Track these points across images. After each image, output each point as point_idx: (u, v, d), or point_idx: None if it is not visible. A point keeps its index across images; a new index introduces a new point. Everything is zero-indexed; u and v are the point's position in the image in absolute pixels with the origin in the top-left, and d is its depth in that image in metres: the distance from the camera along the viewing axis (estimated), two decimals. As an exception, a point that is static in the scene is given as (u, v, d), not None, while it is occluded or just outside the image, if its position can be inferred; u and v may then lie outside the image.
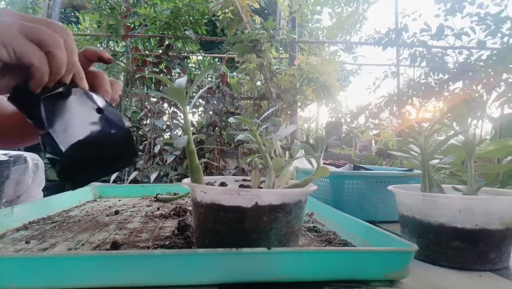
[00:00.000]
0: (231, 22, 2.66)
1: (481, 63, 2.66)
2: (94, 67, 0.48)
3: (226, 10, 2.65)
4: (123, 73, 2.86)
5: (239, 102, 2.66)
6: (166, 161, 2.26)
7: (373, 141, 3.35)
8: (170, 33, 3.01)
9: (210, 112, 2.54)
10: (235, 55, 2.73)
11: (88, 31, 4.42)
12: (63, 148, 0.43)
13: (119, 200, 0.84)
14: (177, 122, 2.50)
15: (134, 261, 0.33)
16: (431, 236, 0.44)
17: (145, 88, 2.95)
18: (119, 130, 0.46)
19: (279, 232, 0.38)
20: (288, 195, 0.38)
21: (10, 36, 0.38)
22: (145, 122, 2.64)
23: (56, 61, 0.40)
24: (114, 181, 2.29)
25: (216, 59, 4.11)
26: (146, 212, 0.68)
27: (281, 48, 2.75)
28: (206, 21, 3.09)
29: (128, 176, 2.33)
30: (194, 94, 1.87)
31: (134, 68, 2.71)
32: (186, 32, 2.96)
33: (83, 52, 0.46)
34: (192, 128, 2.62)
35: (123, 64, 3.02)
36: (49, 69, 0.40)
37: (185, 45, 3.29)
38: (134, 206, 0.75)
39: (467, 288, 0.37)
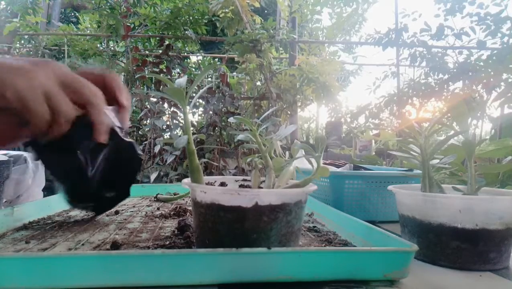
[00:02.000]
0: (231, 22, 2.66)
1: (481, 63, 2.66)
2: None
3: (226, 10, 2.65)
4: (123, 73, 2.86)
5: (239, 102, 2.66)
6: (166, 161, 2.26)
7: (373, 141, 3.36)
8: (170, 33, 3.01)
9: (210, 112, 2.54)
10: (235, 55, 2.74)
11: (88, 31, 4.42)
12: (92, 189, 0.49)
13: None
14: (177, 122, 2.50)
15: (134, 261, 0.33)
16: (431, 236, 0.44)
17: (145, 88, 2.95)
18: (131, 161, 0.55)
19: (279, 232, 0.38)
20: (288, 195, 0.38)
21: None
22: (145, 122, 2.64)
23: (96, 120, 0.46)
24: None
25: (216, 59, 4.11)
26: (146, 212, 0.68)
27: (281, 48, 2.75)
28: (206, 21, 3.09)
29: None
30: (194, 94, 1.87)
31: (134, 68, 2.71)
32: (186, 32, 2.96)
33: (105, 75, 0.49)
34: (192, 128, 2.62)
35: (123, 64, 3.02)
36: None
37: (185, 45, 3.29)
38: (134, 206, 0.75)
39: (467, 288, 0.37)
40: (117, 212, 0.66)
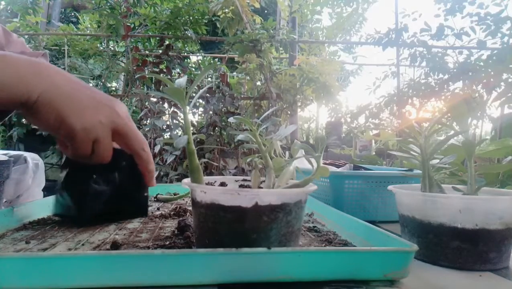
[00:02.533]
0: (231, 22, 2.66)
1: (481, 63, 2.66)
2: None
3: (226, 10, 2.65)
4: (123, 73, 2.86)
5: (239, 102, 2.66)
6: (166, 161, 2.26)
7: (373, 141, 3.36)
8: (170, 33, 3.01)
9: (210, 112, 2.54)
10: (235, 55, 2.74)
11: (88, 31, 4.41)
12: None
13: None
14: (177, 122, 2.50)
15: (134, 261, 0.33)
16: (431, 236, 0.44)
17: (145, 88, 2.95)
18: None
19: (279, 232, 0.38)
20: (288, 195, 0.38)
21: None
22: (145, 122, 2.64)
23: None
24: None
25: (216, 59, 4.11)
26: (146, 212, 0.68)
27: (281, 48, 2.75)
28: (206, 21, 3.09)
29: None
30: (194, 94, 1.87)
31: (134, 68, 2.71)
32: (186, 32, 2.96)
33: (138, 148, 0.52)
34: (192, 128, 2.61)
35: (123, 64, 3.02)
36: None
37: (185, 45, 3.29)
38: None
39: (467, 288, 0.37)
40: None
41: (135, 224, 0.58)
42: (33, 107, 0.41)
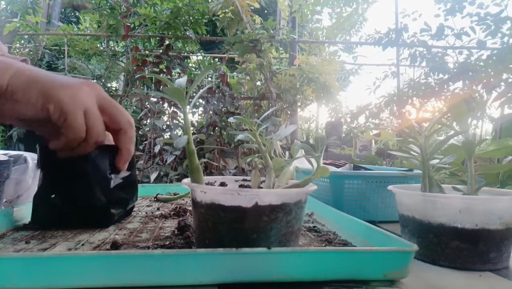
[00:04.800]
0: (231, 22, 2.66)
1: (481, 63, 2.66)
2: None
3: (226, 10, 2.65)
4: (123, 73, 2.86)
5: (239, 102, 2.66)
6: (166, 161, 2.26)
7: (373, 141, 3.35)
8: (170, 33, 3.01)
9: (210, 112, 2.54)
10: (235, 55, 2.73)
11: (88, 31, 4.42)
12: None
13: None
14: (177, 122, 2.50)
15: (134, 261, 0.33)
16: (431, 236, 0.44)
17: (145, 88, 2.95)
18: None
19: (279, 232, 0.38)
20: (288, 195, 0.38)
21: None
22: (145, 122, 2.64)
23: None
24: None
25: (216, 59, 4.11)
26: (146, 212, 0.68)
27: (281, 48, 2.75)
28: (206, 21, 3.09)
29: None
30: (194, 94, 1.87)
31: (134, 68, 2.71)
32: (186, 32, 2.96)
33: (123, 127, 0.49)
34: (192, 128, 2.62)
35: (123, 64, 3.02)
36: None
37: (185, 45, 3.29)
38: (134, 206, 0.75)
39: (467, 288, 0.37)
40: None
41: (135, 224, 0.58)
42: (7, 93, 0.40)
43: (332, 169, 0.85)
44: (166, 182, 2.25)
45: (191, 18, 2.99)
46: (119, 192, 0.56)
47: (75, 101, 0.42)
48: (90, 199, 0.53)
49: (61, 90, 0.41)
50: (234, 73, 3.47)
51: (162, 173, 2.33)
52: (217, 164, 2.42)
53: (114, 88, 4.02)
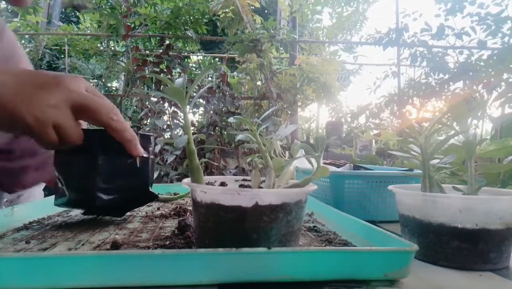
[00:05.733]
0: (232, 22, 2.66)
1: (482, 63, 2.66)
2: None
3: (227, 10, 2.65)
4: (123, 73, 2.87)
5: (239, 102, 2.66)
6: (166, 160, 2.26)
7: (373, 141, 3.35)
8: (171, 32, 3.01)
9: (211, 112, 2.54)
10: (236, 55, 2.74)
11: (89, 31, 4.42)
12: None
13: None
14: (177, 121, 2.50)
15: (134, 261, 0.33)
16: (431, 236, 0.44)
17: (146, 88, 2.96)
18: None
19: (279, 232, 0.38)
20: (288, 195, 0.38)
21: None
22: (145, 121, 2.64)
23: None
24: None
25: (217, 59, 4.11)
26: (146, 212, 0.68)
27: (281, 48, 2.75)
28: (206, 21, 3.09)
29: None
30: (194, 94, 1.87)
31: (135, 67, 2.71)
32: (186, 31, 2.97)
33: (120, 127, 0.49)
34: (192, 128, 2.62)
35: (123, 64, 3.02)
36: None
37: (186, 45, 3.29)
38: (134, 206, 0.75)
39: (467, 288, 0.37)
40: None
41: (135, 224, 0.58)
42: None
43: (332, 169, 0.85)
44: (166, 182, 2.25)
45: (191, 17, 3.00)
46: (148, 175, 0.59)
47: (39, 121, 0.41)
48: (139, 188, 0.57)
49: (24, 110, 0.41)
50: (235, 73, 3.47)
51: (162, 173, 2.33)
52: (217, 164, 2.42)
53: (114, 88, 4.03)
